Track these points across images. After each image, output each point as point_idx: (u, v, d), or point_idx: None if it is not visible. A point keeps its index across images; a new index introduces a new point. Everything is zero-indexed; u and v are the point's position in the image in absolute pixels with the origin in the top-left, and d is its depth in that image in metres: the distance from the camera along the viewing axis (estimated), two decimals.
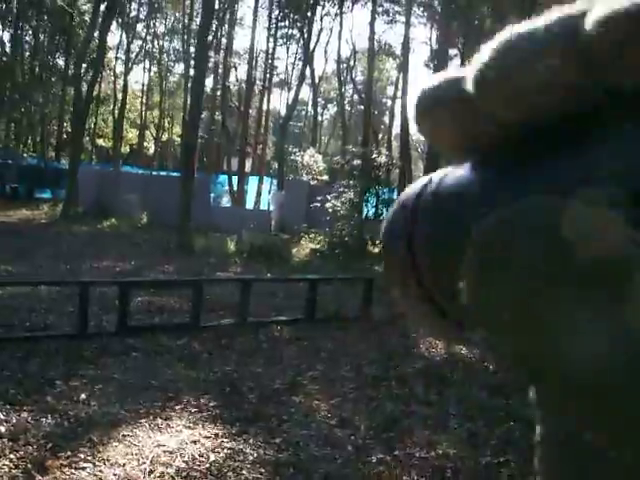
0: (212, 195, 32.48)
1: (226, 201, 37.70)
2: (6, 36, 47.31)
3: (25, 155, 47.06)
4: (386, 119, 61.59)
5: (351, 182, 21.37)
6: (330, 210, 20.59)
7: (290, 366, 8.07)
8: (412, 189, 0.38)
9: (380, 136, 53.09)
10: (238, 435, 5.73)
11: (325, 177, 27.95)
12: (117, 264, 15.14)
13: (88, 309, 8.69)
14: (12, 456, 4.98)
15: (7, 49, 46.51)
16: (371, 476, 5.16)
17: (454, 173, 0.34)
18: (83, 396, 6.37)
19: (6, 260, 14.19)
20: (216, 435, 5.70)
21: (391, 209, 0.39)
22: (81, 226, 24.00)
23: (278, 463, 5.25)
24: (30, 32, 46.74)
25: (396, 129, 46.73)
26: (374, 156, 21.84)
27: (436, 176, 0.37)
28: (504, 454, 5.67)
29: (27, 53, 46.60)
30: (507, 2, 27.98)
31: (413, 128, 0.35)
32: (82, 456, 5.08)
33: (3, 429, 5.44)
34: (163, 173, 43.08)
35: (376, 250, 20.73)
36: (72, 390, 6.52)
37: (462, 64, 34.88)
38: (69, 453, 5.10)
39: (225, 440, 5.62)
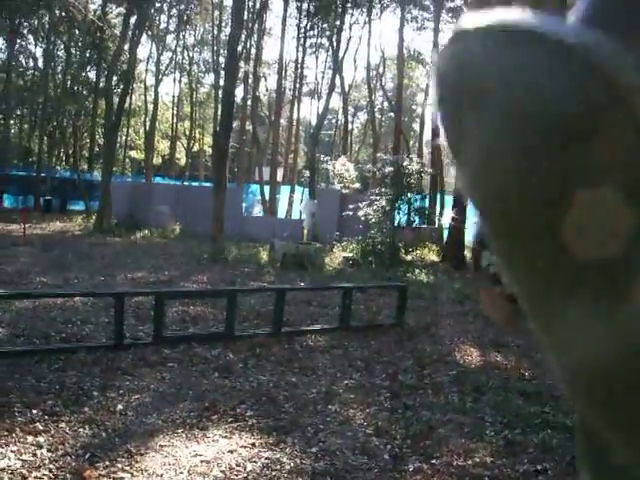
0: (244, 205, 32.59)
1: (258, 211, 37.81)
2: (39, 51, 47.96)
3: (58, 168, 47.57)
4: (416, 126, 61.50)
5: (383, 190, 21.34)
6: (362, 218, 20.58)
7: (325, 375, 8.06)
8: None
9: (411, 143, 53.04)
10: (275, 444, 5.73)
11: (357, 185, 27.96)
12: (151, 275, 15.23)
13: (124, 320, 8.75)
14: (51, 466, 5.02)
15: (40, 63, 47.10)
16: None
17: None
18: (120, 407, 6.40)
19: (41, 272, 14.35)
20: (253, 444, 5.71)
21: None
22: (114, 237, 24.23)
23: (315, 472, 5.24)
24: (62, 46, 47.23)
25: (427, 136, 46.66)
26: (405, 163, 21.79)
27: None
28: (542, 462, 5.62)
29: (59, 67, 47.06)
30: (533, 4, 27.93)
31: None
32: (120, 466, 5.11)
33: (42, 440, 5.48)
34: (195, 184, 43.35)
35: (408, 257, 20.69)
36: (109, 401, 6.56)
37: None
38: (107, 463, 5.12)
39: (262, 449, 5.62)
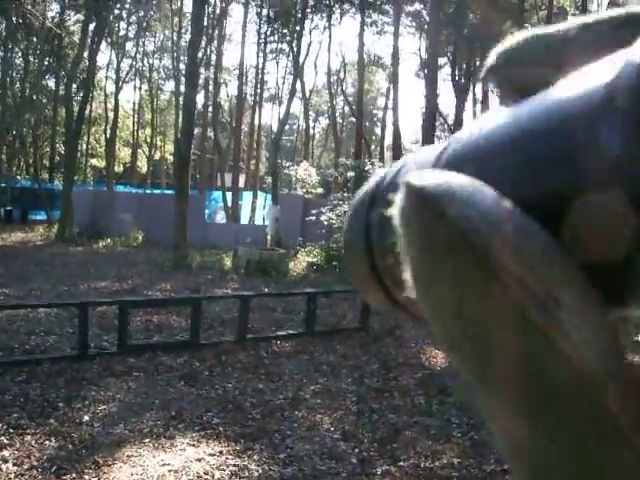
0: (207, 212, 32.47)
1: (221, 217, 37.69)
2: None
3: (19, 177, 47.06)
4: (378, 130, 61.76)
5: (345, 194, 21.41)
6: (325, 223, 20.61)
7: (292, 381, 8.08)
8: (374, 179, 0.39)
9: (372, 147, 53.20)
10: (242, 452, 5.74)
11: (319, 190, 28.01)
12: (114, 284, 15.13)
13: (88, 330, 8.69)
14: None
15: None
16: None
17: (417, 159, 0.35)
18: (86, 418, 6.37)
19: (3, 283, 14.20)
20: (220, 452, 5.71)
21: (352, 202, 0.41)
22: (77, 247, 24.04)
23: (283, 478, 5.26)
24: (20, 54, 46.79)
25: (388, 140, 46.81)
26: (367, 167, 21.88)
27: (396, 164, 0.38)
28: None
29: (17, 75, 46.60)
30: (495, 9, 28.14)
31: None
32: (87, 478, 5.09)
33: (7, 454, 5.44)
34: (157, 191, 43.13)
35: None
36: (75, 412, 6.53)
37: (452, 72, 35.07)
38: (74, 475, 5.10)
39: (230, 457, 5.62)
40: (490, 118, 0.30)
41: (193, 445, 5.85)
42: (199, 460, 5.54)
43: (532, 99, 0.28)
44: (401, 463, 5.63)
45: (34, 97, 44.53)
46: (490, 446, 6.08)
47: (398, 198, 0.26)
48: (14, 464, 5.27)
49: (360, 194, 0.39)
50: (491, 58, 0.33)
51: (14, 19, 41.97)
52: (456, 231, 0.23)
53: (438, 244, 0.23)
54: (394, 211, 0.27)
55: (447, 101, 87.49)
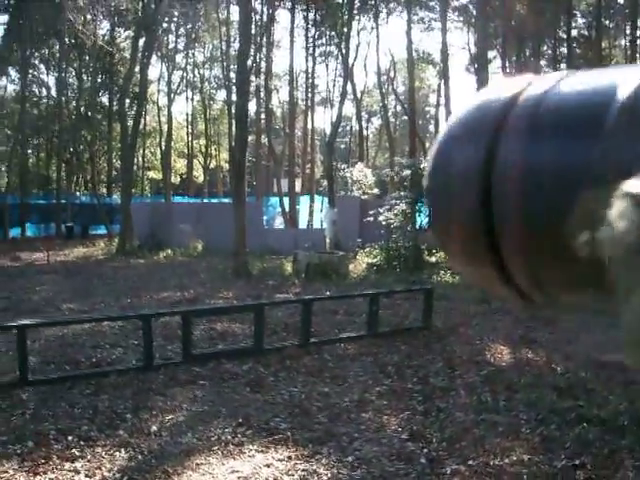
0: (265, 218, 32.64)
1: (279, 223, 37.84)
2: (51, 79, 48.32)
3: (78, 194, 47.85)
4: (431, 127, 61.45)
5: (402, 193, 21.31)
6: (383, 223, 20.54)
7: (357, 383, 8.05)
8: (491, 94, 0.31)
9: (427, 144, 52.95)
10: (311, 456, 5.72)
11: (375, 190, 27.93)
12: (176, 294, 15.27)
13: (152, 341, 8.78)
14: None
15: (53, 92, 47.44)
16: None
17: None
18: (154, 428, 6.42)
19: (67, 298, 14.43)
20: (289, 457, 5.70)
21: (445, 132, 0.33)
22: (138, 259, 24.32)
23: None
24: (73, 73, 47.53)
25: None
26: (423, 165, 21.75)
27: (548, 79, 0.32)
28: (580, 456, 5.58)
29: (72, 94, 47.35)
30: (543, 0, 27.82)
31: None
32: None
33: (79, 465, 5.50)
34: (214, 200, 43.46)
35: (433, 259, 20.63)
36: (143, 422, 6.58)
37: (502, 65, 34.73)
38: None
39: (298, 462, 5.61)
40: None
41: (261, 451, 5.86)
42: (268, 466, 5.54)
43: None
44: (470, 462, 5.57)
45: (89, 114, 45.25)
46: (560, 442, 5.98)
47: (617, 205, 0.24)
48: (86, 475, 5.33)
49: (477, 108, 0.31)
50: None
51: (67, 40, 42.69)
52: None
53: None
54: (611, 216, 0.23)
55: None
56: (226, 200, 36.80)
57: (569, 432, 6.19)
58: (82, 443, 5.99)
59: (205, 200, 44.38)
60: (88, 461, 5.61)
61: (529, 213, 0.24)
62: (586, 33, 35.75)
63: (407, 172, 21.68)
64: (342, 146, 62.24)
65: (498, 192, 0.23)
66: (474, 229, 0.25)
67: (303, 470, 5.45)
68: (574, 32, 32.99)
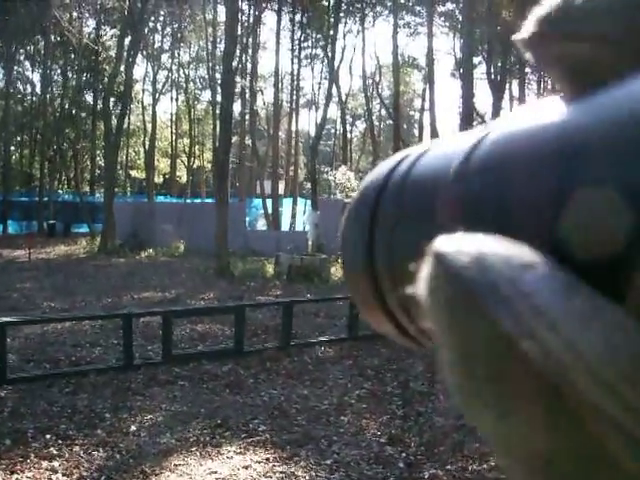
0: (247, 219, 32.60)
1: (262, 224, 37.81)
2: (36, 76, 48.16)
3: (60, 192, 47.66)
4: (416, 131, 61.57)
5: None
6: None
7: (336, 386, 8.06)
8: (380, 168, 0.34)
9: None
10: (289, 458, 5.73)
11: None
12: (158, 294, 15.25)
13: (132, 340, 8.76)
14: None
15: (37, 89, 47.28)
16: None
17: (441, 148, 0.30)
18: (133, 427, 6.41)
19: (48, 296, 14.37)
20: (267, 459, 5.70)
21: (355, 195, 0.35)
22: (119, 258, 24.24)
23: None
24: (59, 71, 47.39)
25: (426, 141, 46.50)
26: None
27: (416, 150, 0.33)
28: None
29: (57, 92, 47.21)
30: (529, 6, 27.91)
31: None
32: None
33: (57, 464, 5.49)
34: (197, 201, 43.37)
35: None
36: (122, 422, 6.57)
37: (488, 71, 34.83)
38: None
39: (277, 464, 5.62)
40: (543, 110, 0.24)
41: (240, 453, 5.86)
42: (246, 467, 5.54)
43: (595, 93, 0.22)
44: (448, 466, 5.58)
45: (73, 112, 45.12)
46: None
47: (425, 263, 0.21)
48: (63, 474, 5.31)
49: (363, 188, 0.34)
50: (529, 26, 0.28)
51: (52, 37, 42.57)
52: (501, 337, 0.18)
53: (478, 345, 0.18)
54: (420, 276, 0.21)
55: (484, 100, 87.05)
56: (209, 201, 36.74)
57: None
58: (60, 442, 5.97)
59: (188, 200, 44.24)
60: (66, 460, 5.59)
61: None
62: None
63: None
64: (326, 149, 62.27)
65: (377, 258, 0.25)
66: (365, 281, 0.27)
67: (281, 472, 5.45)
68: None
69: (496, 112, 32.54)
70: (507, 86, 37.78)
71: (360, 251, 0.32)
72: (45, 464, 5.50)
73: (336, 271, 19.64)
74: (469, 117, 23.61)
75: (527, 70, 34.02)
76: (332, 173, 29.77)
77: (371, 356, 9.51)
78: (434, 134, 31.83)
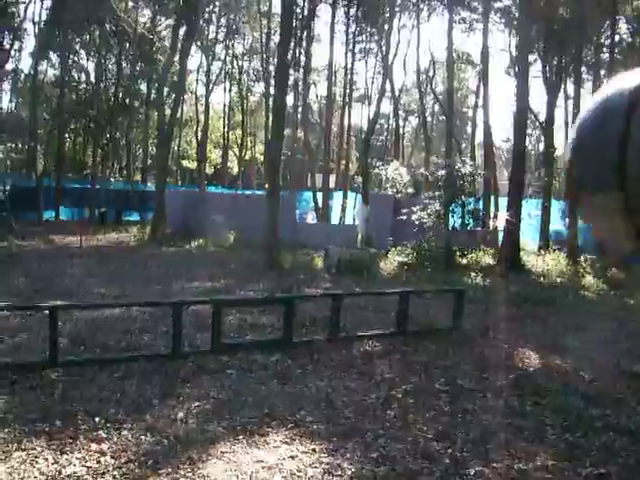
0: (297, 212, 32.63)
1: (311, 218, 37.82)
2: (91, 65, 48.66)
3: (112, 180, 48.15)
4: (468, 128, 61.18)
5: (436, 193, 21.26)
6: (416, 222, 20.49)
7: (384, 380, 8.04)
8: (617, 86, 0.33)
9: (463, 145, 52.71)
10: (335, 450, 5.73)
11: (410, 190, 27.81)
12: (207, 284, 15.32)
13: (182, 329, 8.82)
14: (115, 473, 5.08)
15: (92, 78, 47.78)
16: None
17: None
18: (181, 415, 6.46)
19: (98, 283, 14.54)
20: (313, 450, 5.71)
21: (592, 104, 0.34)
22: (169, 247, 24.39)
23: (376, 477, 5.23)
24: (113, 60, 47.85)
25: (478, 137, 46.21)
26: (458, 166, 21.68)
27: None
28: (605, 465, 5.53)
29: (111, 81, 47.71)
30: (587, 5, 27.52)
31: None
32: (182, 472, 5.15)
33: (105, 447, 5.55)
34: (248, 192, 43.53)
35: (464, 261, 20.55)
36: (169, 409, 6.62)
37: (543, 69, 34.44)
38: (169, 470, 5.17)
39: (323, 455, 5.62)
40: None
41: (286, 443, 5.87)
42: (292, 457, 5.56)
43: None
44: (494, 464, 5.54)
45: (127, 101, 45.56)
46: (585, 449, 5.94)
47: None
48: (112, 457, 5.37)
49: (601, 106, 0.33)
50: None
51: (108, 26, 43.00)
52: None
53: None
54: None
55: (538, 98, 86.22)
56: (259, 192, 36.87)
57: (595, 440, 6.15)
58: (109, 425, 6.04)
59: (239, 192, 44.43)
60: (114, 443, 5.66)
61: None
62: (630, 39, 35.33)
63: (442, 172, 21.63)
64: (378, 144, 62.08)
65: (631, 160, 0.24)
66: (613, 198, 0.26)
67: (327, 464, 5.45)
68: (617, 38, 32.58)
69: (550, 111, 32.14)
70: (562, 85, 37.22)
71: (609, 169, 0.32)
72: (94, 446, 5.57)
73: (385, 266, 19.61)
74: (524, 115, 23.34)
75: (583, 69, 33.45)
76: (383, 168, 29.63)
77: (419, 352, 9.48)
78: (487, 131, 31.52)
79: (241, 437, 5.93)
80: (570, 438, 6.21)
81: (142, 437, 5.84)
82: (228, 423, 6.26)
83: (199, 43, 46.96)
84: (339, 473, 5.28)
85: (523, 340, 10.62)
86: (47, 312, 8.35)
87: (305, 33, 42.93)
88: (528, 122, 28.64)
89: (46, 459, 5.30)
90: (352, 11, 44.85)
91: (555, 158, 33.97)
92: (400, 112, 55.00)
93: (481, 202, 28.02)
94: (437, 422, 6.56)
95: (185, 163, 62.21)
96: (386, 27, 37.00)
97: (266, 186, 24.73)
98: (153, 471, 5.15)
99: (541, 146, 48.33)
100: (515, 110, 23.66)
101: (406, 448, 5.84)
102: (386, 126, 62.09)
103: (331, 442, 5.91)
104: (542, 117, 36.72)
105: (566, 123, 37.26)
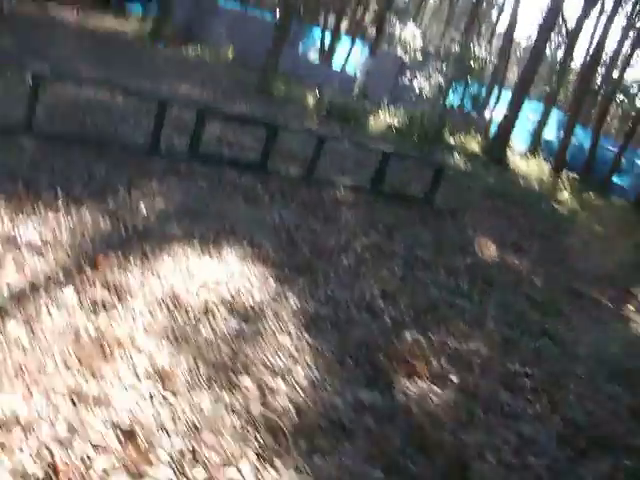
0: (301, 45, 31.98)
1: (313, 56, 37.07)
2: None
3: None
4: (494, 12, 59.71)
5: (444, 66, 20.93)
6: (417, 90, 20.23)
7: (346, 229, 8.09)
8: None
9: (483, 28, 51.54)
10: (285, 281, 5.78)
11: (418, 56, 27.29)
12: (195, 91, 15.06)
13: (162, 127, 8.70)
14: (68, 249, 5.08)
15: None
16: (402, 351, 5.18)
17: None
18: (143, 210, 6.44)
19: (90, 66, 14.18)
20: (264, 275, 5.76)
21: None
22: (166, 47, 23.79)
23: (318, 316, 5.31)
24: None
25: (500, 27, 45.15)
26: (472, 45, 21.29)
27: None
28: (532, 367, 5.65)
29: None
30: None
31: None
32: (132, 260, 5.17)
33: (62, 221, 5.53)
34: (257, 12, 42.42)
35: (452, 142, 20.44)
36: (133, 200, 6.60)
37: None
38: (120, 257, 5.18)
39: (272, 282, 5.67)
40: None
41: (240, 261, 5.91)
42: (242, 276, 5.60)
43: None
44: (431, 335, 5.64)
45: None
46: (519, 347, 6.06)
47: None
48: (68, 232, 5.36)
49: None
50: None
51: None
52: None
53: None
54: None
55: (573, 5, 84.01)
56: (268, 15, 35.88)
57: (530, 343, 6.26)
58: (70, 202, 5.98)
59: (249, 9, 43.22)
60: (72, 219, 5.63)
61: None
62: None
63: (457, 48, 21.26)
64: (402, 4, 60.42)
65: None
66: None
67: (275, 291, 5.51)
68: None
69: (580, 20, 31.16)
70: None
71: None
72: (51, 215, 5.55)
73: (375, 123, 19.39)
74: (554, 16, 22.50)
75: None
76: (399, 26, 28.94)
77: (387, 213, 9.52)
78: (512, 22, 30.76)
79: (196, 244, 5.94)
80: (507, 333, 6.32)
81: (101, 220, 5.83)
82: (187, 229, 6.27)
83: None
84: (284, 304, 5.34)
85: (489, 232, 10.68)
86: (29, 80, 8.06)
87: None
88: (555, 25, 27.90)
89: (1, 218, 5.26)
90: None
91: (570, 68, 33.44)
92: None
93: (484, 89, 27.63)
94: (387, 282, 6.63)
95: None
96: None
97: (277, 13, 24.02)
98: (104, 254, 5.15)
99: (559, 54, 47.18)
100: (547, 9, 22.87)
101: (352, 297, 5.91)
102: None
103: (283, 272, 5.96)
104: (570, 25, 35.71)
105: (591, 38, 36.09)
